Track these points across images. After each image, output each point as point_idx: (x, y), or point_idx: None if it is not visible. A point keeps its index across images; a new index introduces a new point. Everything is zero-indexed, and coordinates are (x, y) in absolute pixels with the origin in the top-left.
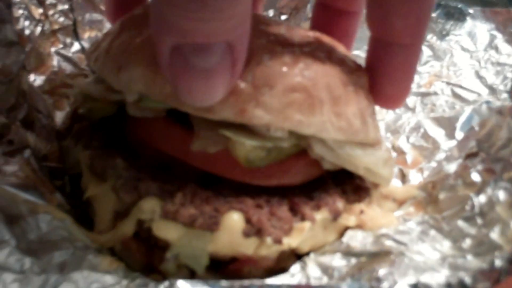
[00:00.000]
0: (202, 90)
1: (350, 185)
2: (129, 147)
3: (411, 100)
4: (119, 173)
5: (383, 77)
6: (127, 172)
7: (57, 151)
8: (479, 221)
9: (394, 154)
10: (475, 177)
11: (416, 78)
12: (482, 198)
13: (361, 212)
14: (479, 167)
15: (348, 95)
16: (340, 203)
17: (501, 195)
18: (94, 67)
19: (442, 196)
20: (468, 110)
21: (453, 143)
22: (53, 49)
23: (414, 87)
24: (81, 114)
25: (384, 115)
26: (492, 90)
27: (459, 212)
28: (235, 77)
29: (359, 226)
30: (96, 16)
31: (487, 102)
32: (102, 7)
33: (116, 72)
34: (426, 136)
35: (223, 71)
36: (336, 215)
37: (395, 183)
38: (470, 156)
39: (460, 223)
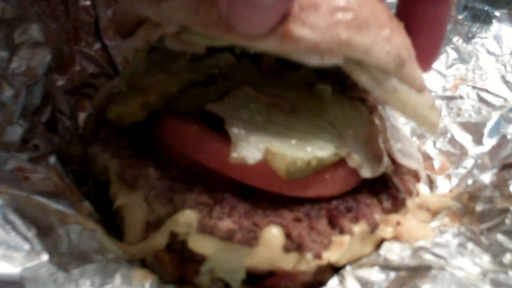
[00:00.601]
0: (258, 21)
1: (386, 194)
2: (160, 154)
3: (436, 104)
4: (152, 184)
5: (414, 31)
6: (160, 182)
7: (80, 153)
8: None
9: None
10: None
11: (442, 81)
12: None
13: (398, 223)
14: None
15: (393, 26)
16: (377, 215)
17: None
18: (129, 3)
19: (479, 207)
20: (495, 116)
21: (481, 149)
22: (75, 48)
23: (439, 90)
24: (109, 120)
25: None
26: None
27: (499, 226)
28: (290, 6)
29: (396, 238)
30: None
31: None
32: None
33: (156, 3)
34: (453, 141)
35: (282, 4)
36: (374, 227)
37: (423, 189)
38: (507, 166)
39: (500, 237)
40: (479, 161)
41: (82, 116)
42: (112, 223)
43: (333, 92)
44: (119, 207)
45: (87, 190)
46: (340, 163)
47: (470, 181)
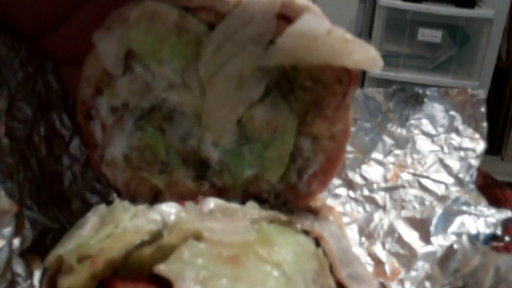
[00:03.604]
0: None
1: None
2: None
3: (380, 196)
4: None
5: None
6: None
7: None
8: None
9: (371, 263)
10: None
11: (382, 170)
12: None
13: None
14: None
15: None
16: None
17: None
18: None
19: None
20: (439, 211)
21: (429, 248)
22: (22, 209)
23: (381, 181)
24: None
25: (356, 216)
26: (459, 180)
27: None
28: None
29: None
30: None
31: (456, 200)
32: None
33: None
34: (401, 241)
35: None
36: None
37: None
38: None
39: None
40: (429, 271)
41: (37, 274)
42: None
43: (277, 227)
44: None
45: None
46: None
47: None
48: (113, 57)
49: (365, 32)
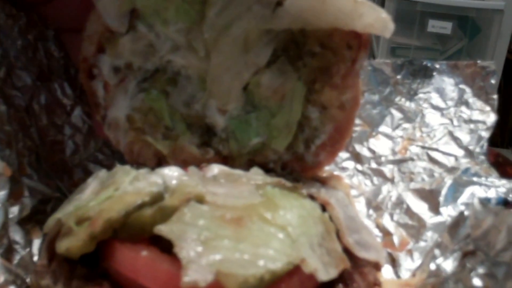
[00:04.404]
0: None
1: None
2: (113, 280)
3: (388, 169)
4: None
5: None
6: None
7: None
8: None
9: (379, 234)
10: (477, 282)
11: (390, 144)
12: None
13: None
14: (480, 270)
15: None
16: None
17: None
18: None
19: None
20: (448, 181)
21: (438, 219)
22: (21, 177)
23: (389, 154)
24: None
25: (363, 189)
26: (469, 152)
27: None
28: None
29: None
30: None
31: (466, 171)
32: None
33: None
34: (409, 212)
35: None
36: None
37: (386, 269)
38: (468, 254)
39: None
40: (439, 239)
41: (36, 243)
42: None
43: (282, 192)
44: None
45: None
46: (295, 270)
47: (432, 266)
48: (114, 13)
49: None
